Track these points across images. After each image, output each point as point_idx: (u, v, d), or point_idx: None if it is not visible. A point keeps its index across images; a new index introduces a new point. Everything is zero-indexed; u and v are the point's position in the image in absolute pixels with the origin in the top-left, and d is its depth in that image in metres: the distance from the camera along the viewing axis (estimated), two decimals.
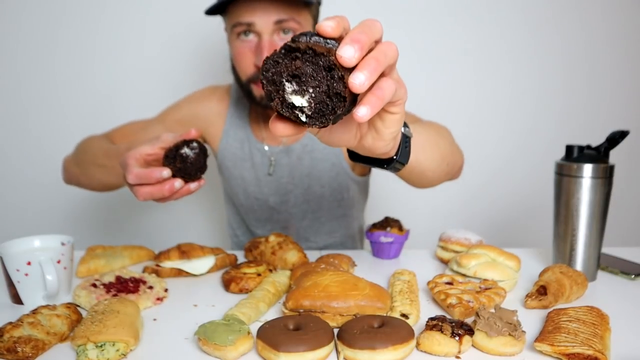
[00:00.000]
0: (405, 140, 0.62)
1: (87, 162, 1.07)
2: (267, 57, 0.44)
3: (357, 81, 0.42)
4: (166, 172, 0.74)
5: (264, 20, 0.96)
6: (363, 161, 0.63)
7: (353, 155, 0.63)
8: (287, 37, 0.97)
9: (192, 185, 0.78)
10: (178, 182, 0.75)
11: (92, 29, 1.69)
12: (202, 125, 1.20)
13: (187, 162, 0.74)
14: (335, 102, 0.44)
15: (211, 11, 1.01)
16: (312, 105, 0.44)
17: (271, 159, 1.16)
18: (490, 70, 1.84)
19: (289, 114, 0.45)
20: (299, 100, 0.44)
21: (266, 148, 1.17)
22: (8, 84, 1.70)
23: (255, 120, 1.19)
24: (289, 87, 0.44)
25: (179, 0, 1.69)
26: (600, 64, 1.89)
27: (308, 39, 0.44)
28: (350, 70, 0.43)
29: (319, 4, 1.08)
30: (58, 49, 1.69)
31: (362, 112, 0.44)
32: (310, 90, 0.44)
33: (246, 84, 1.05)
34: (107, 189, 1.09)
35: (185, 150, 0.74)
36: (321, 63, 0.43)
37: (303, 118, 0.45)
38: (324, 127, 0.45)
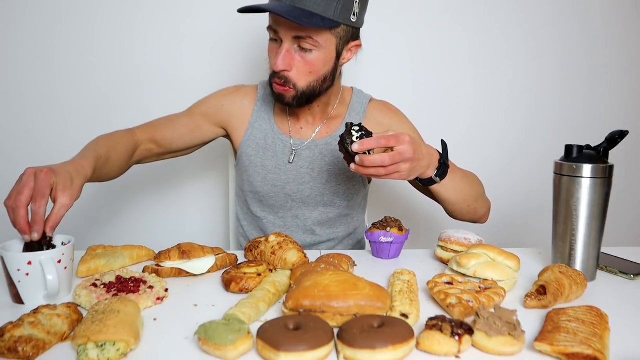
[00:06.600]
0: (444, 169, 1.04)
1: None
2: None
3: (357, 161, 0.92)
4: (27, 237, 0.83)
5: (285, 32, 1.06)
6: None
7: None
8: (304, 54, 1.08)
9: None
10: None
11: (92, 29, 1.69)
12: (226, 117, 1.29)
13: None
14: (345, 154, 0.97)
15: (247, 11, 1.06)
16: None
17: (293, 149, 1.24)
18: (490, 70, 1.85)
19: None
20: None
21: (290, 140, 1.25)
22: (9, 84, 1.70)
23: (280, 114, 1.28)
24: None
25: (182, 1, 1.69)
26: (599, 64, 1.89)
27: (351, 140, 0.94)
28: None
29: (353, 27, 1.10)
30: (59, 49, 1.69)
31: (352, 167, 0.93)
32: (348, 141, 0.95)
33: (270, 79, 1.15)
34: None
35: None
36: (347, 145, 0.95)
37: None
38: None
